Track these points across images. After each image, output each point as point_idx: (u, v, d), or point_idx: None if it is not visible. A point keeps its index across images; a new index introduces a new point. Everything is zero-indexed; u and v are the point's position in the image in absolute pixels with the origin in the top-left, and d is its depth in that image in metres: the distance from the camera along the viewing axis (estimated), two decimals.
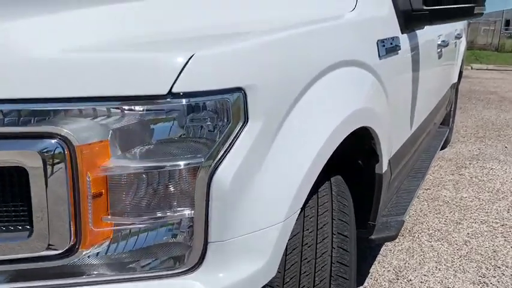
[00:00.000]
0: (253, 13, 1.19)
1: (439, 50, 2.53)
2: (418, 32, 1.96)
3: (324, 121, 1.06)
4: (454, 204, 3.10)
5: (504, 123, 5.72)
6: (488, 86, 9.22)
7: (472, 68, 13.61)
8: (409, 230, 2.71)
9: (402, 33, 1.75)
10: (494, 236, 2.66)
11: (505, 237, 2.66)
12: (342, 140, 1.17)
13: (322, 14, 1.25)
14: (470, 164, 4.00)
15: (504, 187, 3.45)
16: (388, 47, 1.50)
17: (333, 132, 1.09)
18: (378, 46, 1.43)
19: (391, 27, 1.63)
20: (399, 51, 1.64)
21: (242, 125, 0.84)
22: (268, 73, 0.91)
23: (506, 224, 2.82)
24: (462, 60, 4.40)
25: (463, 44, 4.16)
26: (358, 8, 1.40)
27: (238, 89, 0.83)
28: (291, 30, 1.05)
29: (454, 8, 1.74)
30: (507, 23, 34.28)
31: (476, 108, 6.69)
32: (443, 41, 2.58)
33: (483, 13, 1.83)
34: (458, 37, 3.48)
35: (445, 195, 3.26)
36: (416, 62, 1.98)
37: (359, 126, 1.28)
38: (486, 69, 13.58)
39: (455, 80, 3.97)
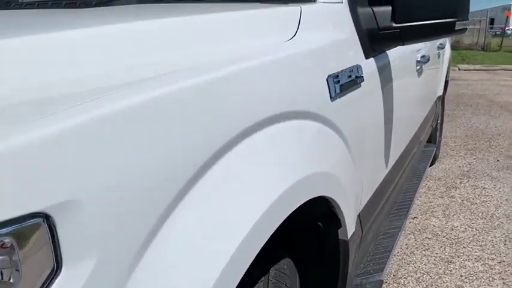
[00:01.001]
0: (141, 54, 0.83)
1: (418, 67, 2.18)
2: (389, 52, 1.61)
3: (232, 222, 0.69)
4: (444, 237, 2.75)
5: (494, 131, 5.41)
6: (476, 89, 8.94)
7: (459, 69, 13.37)
8: (394, 275, 2.35)
9: (367, 57, 1.39)
10: (491, 278, 2.31)
11: (503, 278, 2.30)
12: (272, 231, 0.81)
13: (244, 48, 0.89)
14: (460, 183, 3.66)
15: (499, 211, 3.11)
16: (344, 83, 1.15)
17: (253, 231, 0.73)
18: (328, 84, 1.07)
19: (351, 55, 1.27)
20: (362, 83, 1.29)
21: (50, 276, 0.48)
22: (119, 169, 0.55)
23: (503, 261, 2.47)
24: (448, 69, 4.08)
25: (447, 52, 3.83)
26: (300, 35, 1.04)
27: (36, 216, 0.47)
28: (177, 83, 0.68)
29: (431, 24, 1.39)
30: (491, 21, 34.37)
31: (465, 115, 6.38)
32: (423, 56, 2.24)
33: (466, 28, 1.48)
34: (441, 47, 3.14)
35: (434, 225, 2.90)
36: (389, 88, 1.63)
37: (304, 201, 0.93)
38: (473, 70, 13.34)
39: (441, 93, 3.64)
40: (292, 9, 1.10)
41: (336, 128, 1.12)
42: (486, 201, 3.28)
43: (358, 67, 1.26)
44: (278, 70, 0.91)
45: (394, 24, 1.40)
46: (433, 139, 3.76)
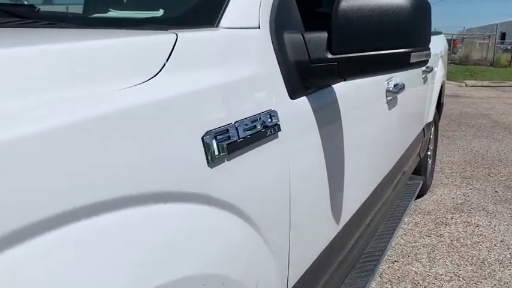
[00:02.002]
0: None
1: (389, 97, 1.87)
2: (337, 86, 1.30)
3: None
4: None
5: (496, 156, 5.04)
6: (481, 108, 8.57)
7: (466, 85, 13.01)
8: None
9: (295, 97, 1.08)
10: None
11: None
12: None
13: (51, 103, 0.59)
14: (452, 218, 3.31)
15: (491, 256, 2.76)
16: (239, 138, 0.83)
17: None
18: (205, 145, 0.76)
19: (260, 97, 0.96)
20: (279, 133, 0.98)
21: None
22: None
23: None
24: (441, 91, 3.75)
25: (439, 72, 3.51)
26: (162, 77, 0.73)
27: None
28: None
29: (379, 55, 1.08)
30: (502, 36, 33.96)
31: (466, 138, 6.01)
32: (396, 85, 1.92)
33: (426, 61, 1.17)
34: (427, 70, 2.82)
35: (415, 272, 2.56)
36: (335, 130, 1.32)
37: None
38: (481, 86, 12.97)
39: (431, 119, 3.31)
40: (160, 39, 0.79)
41: (225, 204, 0.81)
42: (478, 242, 2.93)
43: (270, 113, 0.95)
44: (101, 131, 0.60)
45: (331, 56, 1.09)
46: (423, 170, 3.42)
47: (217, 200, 0.79)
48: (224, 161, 0.81)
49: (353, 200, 1.56)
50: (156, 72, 0.75)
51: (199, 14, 1.02)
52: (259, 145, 0.91)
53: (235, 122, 0.84)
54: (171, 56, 0.78)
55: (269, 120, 0.94)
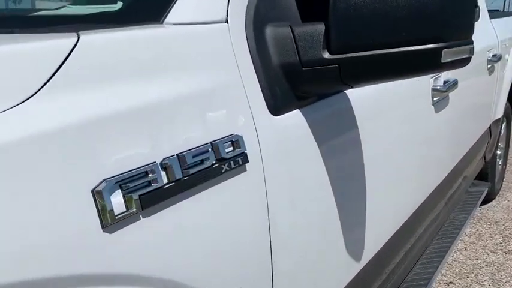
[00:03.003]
0: None
1: (437, 98, 1.52)
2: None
3: None
4: None
5: None
6: None
7: None
8: None
9: (279, 112, 0.81)
10: None
11: None
12: None
13: None
14: None
15: None
16: (166, 185, 0.59)
17: None
18: (97, 201, 0.52)
19: (217, 117, 0.70)
20: (248, 165, 0.71)
21: None
22: None
23: None
24: None
25: (510, 61, 3.02)
26: (43, 98, 0.50)
27: None
28: None
29: (396, 54, 0.78)
30: None
31: None
32: (446, 82, 1.57)
33: (468, 58, 0.84)
34: (494, 60, 2.38)
35: None
36: (343, 151, 1.03)
37: None
38: None
39: (500, 115, 2.85)
40: (49, 45, 0.56)
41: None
42: None
43: (231, 139, 0.69)
44: None
45: (328, 56, 0.81)
46: (490, 174, 2.97)
47: (126, 279, 0.55)
48: (137, 220, 0.56)
49: (379, 231, 1.25)
50: (31, 94, 0.51)
51: (143, 7, 0.78)
52: (207, 187, 0.65)
53: (163, 160, 0.60)
54: (60, 69, 0.54)
55: (228, 150, 0.68)
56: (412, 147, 1.41)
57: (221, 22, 0.76)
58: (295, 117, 0.85)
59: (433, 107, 1.51)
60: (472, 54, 0.84)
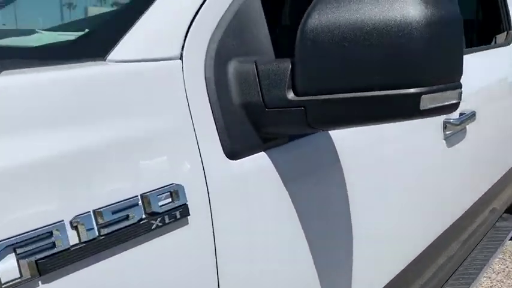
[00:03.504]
0: None
1: (450, 131, 1.40)
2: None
3: None
4: None
5: None
6: None
7: None
8: None
9: (236, 157, 0.74)
10: None
11: None
12: None
13: None
14: None
15: None
16: (75, 246, 0.53)
17: None
18: None
19: (156, 164, 0.63)
20: (190, 217, 0.65)
21: None
22: None
23: None
24: None
25: None
26: None
27: None
28: None
29: (368, 98, 0.69)
30: None
31: None
32: (461, 114, 1.45)
33: (455, 104, 0.74)
34: None
35: None
36: (321, 198, 0.94)
37: None
38: None
39: None
40: None
41: None
42: None
43: (170, 190, 0.62)
44: None
45: (293, 97, 0.73)
46: None
47: None
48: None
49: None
50: None
51: (92, 41, 0.73)
52: (133, 246, 0.59)
53: (74, 218, 0.54)
54: None
55: (164, 202, 0.62)
56: (415, 184, 1.30)
57: (174, 59, 0.70)
58: (259, 161, 0.77)
59: (444, 141, 1.39)
60: (460, 100, 0.74)
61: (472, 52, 1.71)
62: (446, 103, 0.72)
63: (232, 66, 0.76)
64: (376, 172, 1.09)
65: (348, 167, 0.96)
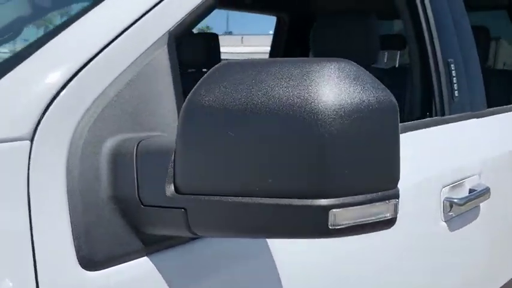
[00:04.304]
0: None
1: (452, 213, 1.16)
2: None
3: None
4: None
5: None
6: None
7: None
8: None
9: (99, 267, 0.57)
10: None
11: None
12: None
13: None
14: None
15: None
16: None
17: None
18: None
19: None
20: None
21: None
22: None
23: None
24: None
25: None
26: None
27: None
28: None
29: (264, 205, 0.51)
30: None
31: None
32: (472, 191, 1.21)
33: (393, 220, 0.54)
34: None
35: None
36: None
37: None
38: None
39: None
40: None
41: None
42: None
43: None
44: None
45: (174, 194, 0.56)
46: None
47: None
48: None
49: None
50: None
51: None
52: None
53: None
54: None
55: None
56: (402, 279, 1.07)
57: (20, 140, 0.55)
58: (134, 270, 0.60)
59: (445, 224, 1.15)
60: (396, 214, 0.54)
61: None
62: (373, 219, 0.53)
63: (107, 147, 0.60)
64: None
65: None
